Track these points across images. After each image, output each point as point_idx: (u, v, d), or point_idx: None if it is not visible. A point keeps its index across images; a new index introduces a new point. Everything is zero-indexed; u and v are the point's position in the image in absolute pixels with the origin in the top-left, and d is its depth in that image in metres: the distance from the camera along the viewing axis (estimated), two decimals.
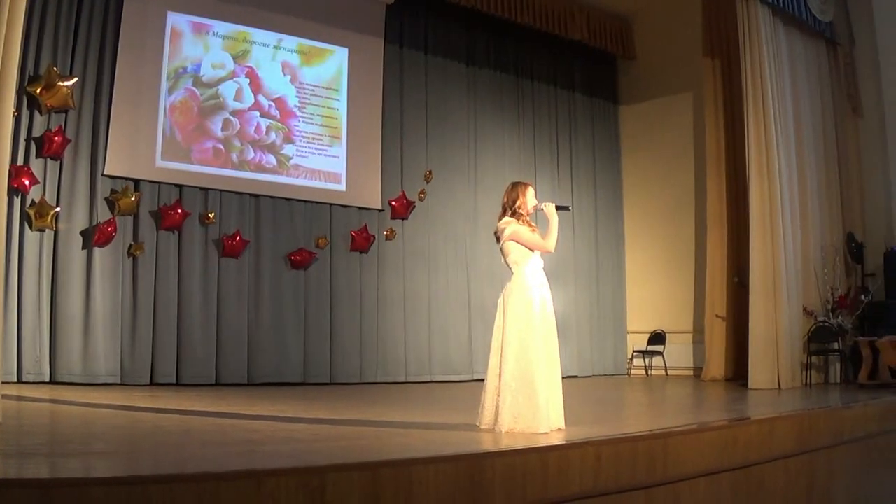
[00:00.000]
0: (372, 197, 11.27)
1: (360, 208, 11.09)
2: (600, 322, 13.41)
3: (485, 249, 11.56)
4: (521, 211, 5.87)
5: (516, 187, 5.97)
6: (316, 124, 10.91)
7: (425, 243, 11.64)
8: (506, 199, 5.93)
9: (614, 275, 13.78)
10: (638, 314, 13.68)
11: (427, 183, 11.74)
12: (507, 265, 5.86)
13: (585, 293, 13.33)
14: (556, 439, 5.03)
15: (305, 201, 10.64)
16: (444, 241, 11.83)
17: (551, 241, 5.86)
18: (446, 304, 11.69)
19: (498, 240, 5.89)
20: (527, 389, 5.48)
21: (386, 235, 11.27)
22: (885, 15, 11.67)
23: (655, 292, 13.40)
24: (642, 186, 13.86)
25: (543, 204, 6.01)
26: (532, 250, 5.84)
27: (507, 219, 5.84)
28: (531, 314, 5.62)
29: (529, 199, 5.90)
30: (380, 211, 11.28)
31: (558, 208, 6.00)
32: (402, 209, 11.48)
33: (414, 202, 11.54)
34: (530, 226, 5.88)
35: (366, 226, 11.09)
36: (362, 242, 11.06)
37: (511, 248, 5.83)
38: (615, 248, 13.85)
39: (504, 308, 5.72)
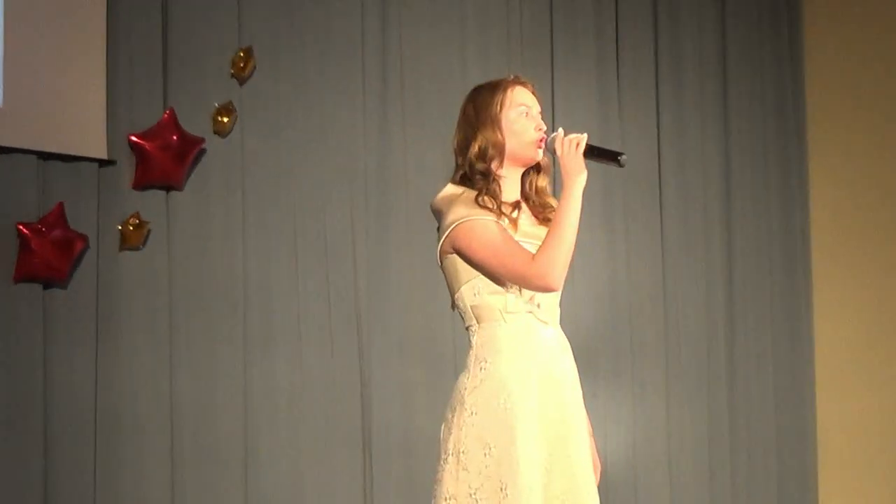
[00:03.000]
0: (79, 123, 6.53)
1: (43, 157, 6.37)
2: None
3: (413, 265, 7.23)
4: (485, 161, 3.72)
5: (480, 92, 3.84)
6: None
7: (235, 255, 6.77)
8: (456, 136, 3.82)
9: (784, 381, 8.75)
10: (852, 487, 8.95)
11: (241, 85, 6.82)
12: (460, 315, 3.94)
13: (697, 420, 8.46)
14: None
15: None
16: (293, 247, 7.01)
17: (553, 258, 3.65)
18: (298, 438, 6.91)
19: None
20: None
21: (123, 236, 6.40)
22: None
23: (891, 410, 8.60)
24: (855, 135, 8.92)
25: (557, 135, 3.72)
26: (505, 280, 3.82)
27: (450, 188, 3.81)
28: (511, 441, 3.71)
29: (516, 118, 3.72)
30: (103, 165, 6.39)
31: (594, 152, 3.74)
32: (166, 160, 6.52)
33: (202, 140, 6.58)
34: (509, 207, 3.74)
35: (61, 207, 6.21)
36: (49, 258, 6.24)
37: (455, 271, 3.78)
38: (786, 310, 8.81)
39: (450, 426, 3.78)
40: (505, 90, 3.83)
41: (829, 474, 9.05)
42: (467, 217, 3.68)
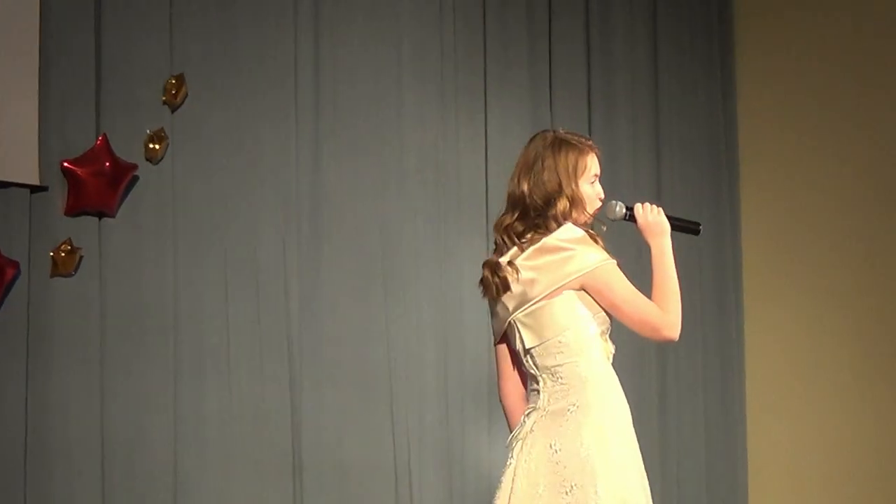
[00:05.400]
0: (11, 148, 6.56)
1: None
2: None
3: (345, 292, 7.23)
4: (583, 212, 4.01)
5: (562, 148, 4.00)
6: None
7: (166, 282, 6.79)
8: (530, 183, 3.96)
9: (715, 409, 8.97)
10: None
11: (172, 112, 6.89)
12: (536, 357, 3.98)
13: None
14: None
15: None
16: (223, 274, 7.01)
17: (678, 312, 3.97)
18: (229, 465, 6.94)
19: (493, 289, 3.99)
20: None
21: (55, 263, 6.46)
22: None
23: (822, 438, 8.66)
24: (787, 165, 9.08)
25: (618, 205, 4.11)
26: (605, 323, 4.03)
27: (573, 228, 3.94)
28: (639, 469, 3.98)
29: (586, 185, 4.01)
30: (35, 191, 6.52)
31: (679, 222, 4.13)
32: (98, 186, 6.58)
33: (133, 167, 6.63)
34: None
35: None
36: None
37: (569, 309, 3.93)
38: (717, 337, 8.97)
39: (582, 455, 3.84)
40: (585, 156, 4.02)
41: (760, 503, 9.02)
42: (610, 260, 3.91)
